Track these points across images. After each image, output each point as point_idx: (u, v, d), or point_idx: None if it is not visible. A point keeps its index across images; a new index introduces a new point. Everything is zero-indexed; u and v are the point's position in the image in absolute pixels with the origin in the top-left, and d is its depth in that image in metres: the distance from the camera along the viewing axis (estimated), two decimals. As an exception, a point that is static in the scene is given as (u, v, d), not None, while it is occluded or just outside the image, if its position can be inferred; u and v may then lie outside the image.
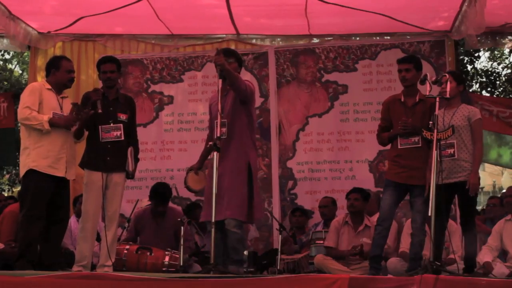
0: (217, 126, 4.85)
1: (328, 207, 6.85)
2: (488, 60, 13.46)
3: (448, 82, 4.98)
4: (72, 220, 6.69)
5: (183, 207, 6.94)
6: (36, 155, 5.06)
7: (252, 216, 5.19)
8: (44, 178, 5.06)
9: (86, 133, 5.38)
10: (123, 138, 5.31)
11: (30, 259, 4.95)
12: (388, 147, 5.47)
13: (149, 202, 6.75)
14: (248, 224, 6.97)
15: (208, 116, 5.54)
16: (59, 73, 5.28)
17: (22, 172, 5.15)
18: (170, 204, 6.89)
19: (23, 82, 13.72)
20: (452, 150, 5.07)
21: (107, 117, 5.28)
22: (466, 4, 6.69)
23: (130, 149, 5.37)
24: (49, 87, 5.25)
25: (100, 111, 5.21)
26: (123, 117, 5.36)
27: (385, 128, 5.45)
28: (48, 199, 5.08)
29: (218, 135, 4.82)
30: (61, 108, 5.23)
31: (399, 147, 5.26)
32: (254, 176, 5.17)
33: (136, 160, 5.47)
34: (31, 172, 5.07)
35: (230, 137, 5.08)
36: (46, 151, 5.08)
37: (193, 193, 5.77)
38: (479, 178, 5.09)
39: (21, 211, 5.12)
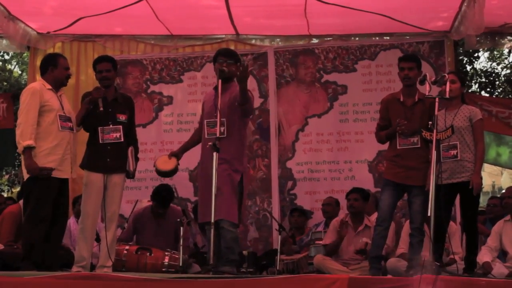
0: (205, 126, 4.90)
1: (331, 205, 6.84)
2: (487, 60, 13.45)
3: (450, 82, 4.99)
4: (72, 220, 6.69)
5: (183, 207, 6.94)
6: (42, 158, 5.04)
7: (241, 219, 5.25)
8: (48, 179, 5.04)
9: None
10: (122, 140, 5.31)
11: (34, 260, 4.94)
12: (387, 146, 5.48)
13: (149, 203, 6.75)
14: (248, 225, 7.00)
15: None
16: (57, 70, 5.25)
17: (26, 174, 5.13)
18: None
19: (23, 82, 13.71)
20: (455, 151, 5.09)
21: (106, 118, 5.28)
22: (465, 4, 6.69)
23: (130, 149, 5.37)
24: (49, 86, 5.21)
25: (101, 109, 5.21)
26: (122, 117, 5.36)
27: (383, 127, 5.45)
28: (52, 200, 5.07)
29: (218, 135, 4.84)
30: (63, 108, 5.21)
31: (398, 147, 5.26)
32: (246, 181, 5.25)
33: (136, 159, 5.48)
34: None
35: (222, 140, 5.07)
36: (51, 154, 5.06)
37: (160, 176, 5.66)
38: (481, 178, 5.11)
39: (25, 212, 5.10)
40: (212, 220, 4.70)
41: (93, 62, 5.51)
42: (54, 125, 5.11)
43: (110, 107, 5.32)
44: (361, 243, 5.99)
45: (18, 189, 9.16)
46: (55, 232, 5.16)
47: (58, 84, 5.29)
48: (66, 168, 5.16)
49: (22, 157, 5.13)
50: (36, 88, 5.17)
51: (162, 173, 5.51)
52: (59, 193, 5.13)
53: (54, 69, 5.26)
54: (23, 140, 4.99)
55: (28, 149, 4.99)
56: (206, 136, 5.16)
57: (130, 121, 5.48)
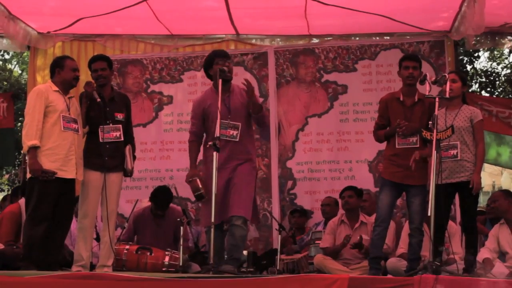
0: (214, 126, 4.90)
1: (330, 205, 6.85)
2: (487, 60, 13.47)
3: (451, 82, 4.99)
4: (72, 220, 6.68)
5: (183, 207, 6.94)
6: (44, 157, 5.04)
7: (258, 218, 5.36)
8: (50, 179, 5.04)
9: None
10: (122, 139, 5.34)
11: (34, 260, 4.94)
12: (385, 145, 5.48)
13: (150, 203, 6.75)
14: (248, 224, 6.97)
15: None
16: (64, 72, 5.26)
17: (29, 174, 5.12)
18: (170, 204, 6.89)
19: (23, 82, 13.73)
20: (455, 151, 5.09)
21: (105, 117, 5.29)
22: (465, 4, 6.68)
23: (128, 147, 5.39)
24: (56, 88, 5.22)
25: (98, 100, 5.21)
26: (120, 116, 5.39)
27: (382, 126, 5.45)
28: (54, 200, 5.07)
29: (218, 135, 4.84)
30: (69, 109, 5.21)
31: (396, 146, 5.26)
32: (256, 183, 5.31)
33: (134, 157, 5.49)
34: None
35: (241, 140, 5.11)
36: (54, 154, 5.07)
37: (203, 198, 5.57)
38: (480, 178, 5.12)
39: (27, 212, 5.12)
40: (212, 220, 4.70)
41: (88, 62, 5.52)
42: (56, 125, 5.11)
43: (108, 107, 5.33)
44: (347, 234, 6.02)
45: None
46: (58, 233, 5.16)
47: (66, 86, 5.29)
48: (71, 169, 5.15)
49: (27, 157, 5.13)
50: (41, 90, 5.20)
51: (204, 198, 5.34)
52: (62, 193, 5.12)
53: (60, 71, 5.28)
54: (28, 140, 5.01)
55: (33, 149, 5.00)
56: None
57: (127, 119, 5.50)
